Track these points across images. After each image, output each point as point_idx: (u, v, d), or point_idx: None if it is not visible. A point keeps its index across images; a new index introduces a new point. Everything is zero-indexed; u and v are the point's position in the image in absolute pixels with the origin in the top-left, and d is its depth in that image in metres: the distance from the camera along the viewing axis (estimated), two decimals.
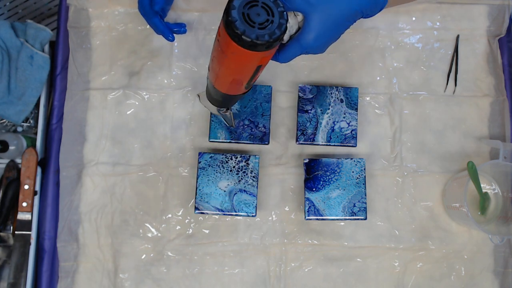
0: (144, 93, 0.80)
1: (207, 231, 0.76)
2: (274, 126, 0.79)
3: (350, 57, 0.81)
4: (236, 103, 0.76)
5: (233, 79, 0.52)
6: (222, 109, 0.67)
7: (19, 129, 0.85)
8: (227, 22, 0.42)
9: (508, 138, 0.79)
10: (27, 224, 0.75)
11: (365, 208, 0.73)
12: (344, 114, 0.76)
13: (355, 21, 0.54)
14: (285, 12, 0.43)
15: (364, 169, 0.74)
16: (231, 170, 0.74)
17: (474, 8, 0.82)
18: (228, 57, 0.46)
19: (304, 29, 0.52)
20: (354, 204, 0.73)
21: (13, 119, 0.79)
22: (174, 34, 0.74)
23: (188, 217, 0.77)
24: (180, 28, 0.75)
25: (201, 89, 0.80)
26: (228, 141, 0.75)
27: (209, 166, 0.74)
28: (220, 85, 0.55)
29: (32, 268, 0.75)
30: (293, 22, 0.52)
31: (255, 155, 0.74)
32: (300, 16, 0.52)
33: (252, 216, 0.72)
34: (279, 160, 0.78)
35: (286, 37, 0.53)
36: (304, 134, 0.76)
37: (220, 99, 0.61)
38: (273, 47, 0.44)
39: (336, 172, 0.74)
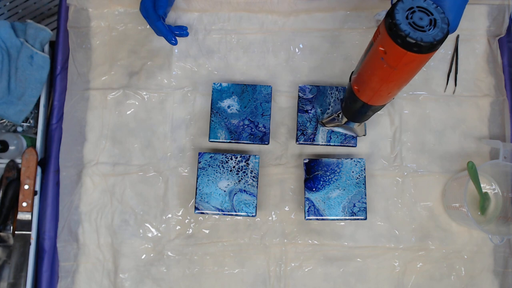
0: (144, 93, 0.80)
1: (207, 231, 0.76)
2: (274, 126, 0.79)
3: (350, 57, 0.81)
4: (236, 103, 0.76)
5: (391, 90, 0.54)
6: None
7: (19, 129, 0.85)
8: (391, 26, 0.44)
9: (508, 138, 0.79)
10: (27, 224, 0.75)
11: (365, 208, 0.73)
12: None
13: None
14: (446, 18, 0.45)
15: (364, 169, 0.74)
16: (231, 170, 0.74)
17: (474, 8, 0.82)
18: (399, 69, 0.47)
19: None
20: (354, 204, 0.73)
21: (13, 119, 0.79)
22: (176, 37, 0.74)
23: (188, 217, 0.77)
24: (182, 31, 0.75)
25: (201, 89, 0.80)
26: (228, 141, 0.75)
27: (209, 166, 0.74)
28: (377, 100, 0.57)
29: (32, 268, 0.75)
30: None
31: (255, 155, 0.74)
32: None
33: (252, 216, 0.72)
34: (279, 160, 0.78)
35: None
36: (304, 134, 0.76)
37: (364, 113, 0.63)
38: (436, 49, 0.45)
39: (336, 172, 0.74)
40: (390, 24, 0.44)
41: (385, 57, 0.47)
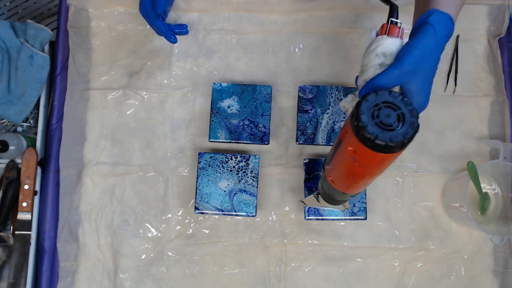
0: (144, 93, 0.80)
1: (207, 231, 0.76)
2: (274, 126, 0.79)
3: (350, 57, 0.81)
4: (236, 103, 0.76)
5: (366, 182, 0.52)
6: None
7: (19, 129, 0.85)
8: (358, 128, 0.41)
9: (508, 138, 0.79)
10: (27, 224, 0.75)
11: (365, 208, 0.73)
12: (344, 114, 0.76)
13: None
14: (415, 110, 0.42)
15: None
16: (231, 170, 0.74)
17: (474, 8, 0.82)
18: (372, 167, 0.45)
19: (413, 98, 0.53)
20: (354, 204, 0.73)
21: (13, 119, 0.79)
22: (176, 35, 0.74)
23: (188, 217, 0.77)
24: (182, 29, 0.75)
25: (201, 89, 0.80)
26: (228, 141, 0.75)
27: (209, 166, 0.74)
28: (353, 190, 0.55)
29: (32, 268, 0.75)
30: None
31: (255, 155, 0.74)
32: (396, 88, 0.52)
33: (252, 216, 0.72)
34: (279, 160, 0.78)
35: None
36: (304, 134, 0.76)
37: (344, 200, 0.63)
38: (407, 146, 0.43)
39: None
40: (356, 127, 0.41)
41: (355, 157, 0.44)
